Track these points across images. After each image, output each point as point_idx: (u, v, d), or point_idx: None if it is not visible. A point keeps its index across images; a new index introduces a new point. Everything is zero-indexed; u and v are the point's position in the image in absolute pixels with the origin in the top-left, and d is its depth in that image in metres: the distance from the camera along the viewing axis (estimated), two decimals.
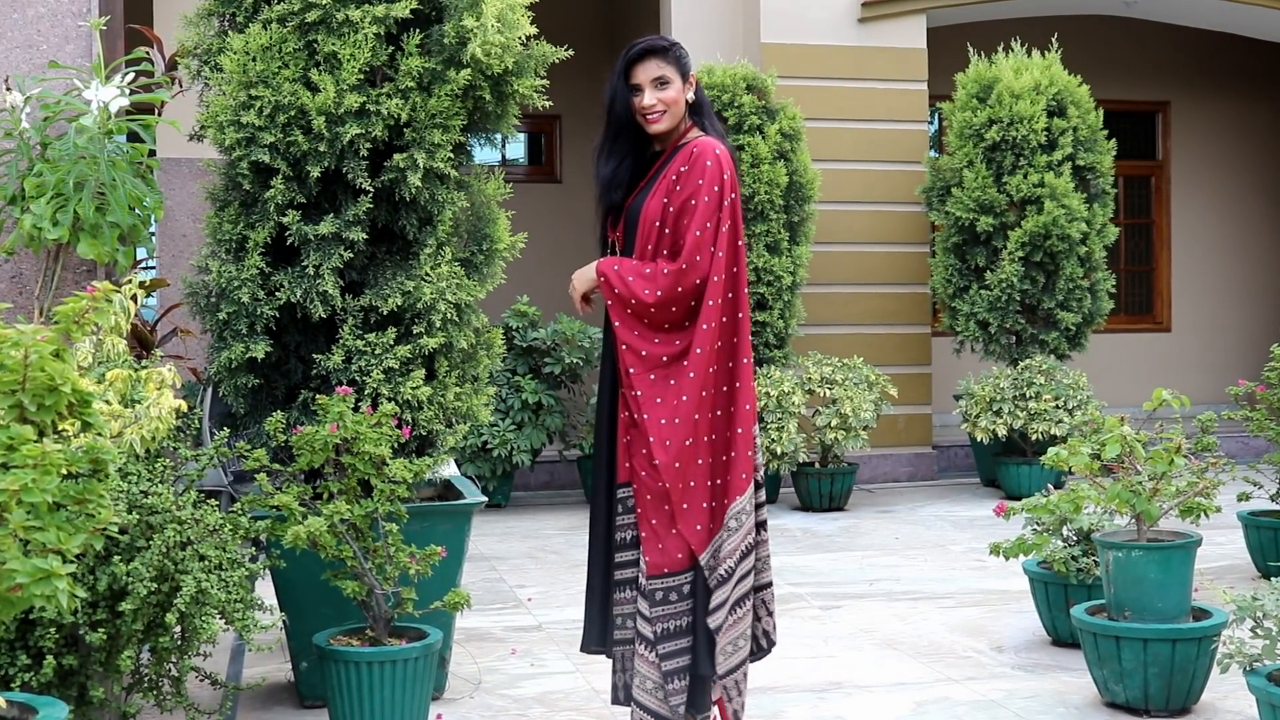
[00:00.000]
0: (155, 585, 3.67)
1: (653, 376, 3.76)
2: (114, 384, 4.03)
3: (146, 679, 3.89)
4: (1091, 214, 9.99)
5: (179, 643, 3.86)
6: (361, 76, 4.64)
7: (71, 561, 3.07)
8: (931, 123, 12.16)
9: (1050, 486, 5.67)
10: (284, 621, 4.56)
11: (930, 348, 10.95)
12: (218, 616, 3.87)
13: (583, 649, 4.00)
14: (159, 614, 3.77)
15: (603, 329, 3.95)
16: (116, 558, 3.64)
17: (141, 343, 5.38)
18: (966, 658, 5.36)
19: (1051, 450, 5.16)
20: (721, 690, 3.82)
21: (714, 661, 3.74)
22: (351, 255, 4.69)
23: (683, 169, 3.83)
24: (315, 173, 4.62)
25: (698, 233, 3.76)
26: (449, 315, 4.77)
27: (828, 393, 9.19)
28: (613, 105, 3.88)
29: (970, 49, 10.63)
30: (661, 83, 3.85)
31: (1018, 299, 9.88)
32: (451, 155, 4.76)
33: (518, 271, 6.23)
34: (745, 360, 3.81)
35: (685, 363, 3.74)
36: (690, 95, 3.93)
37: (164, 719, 4.41)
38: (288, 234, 4.67)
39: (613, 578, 3.88)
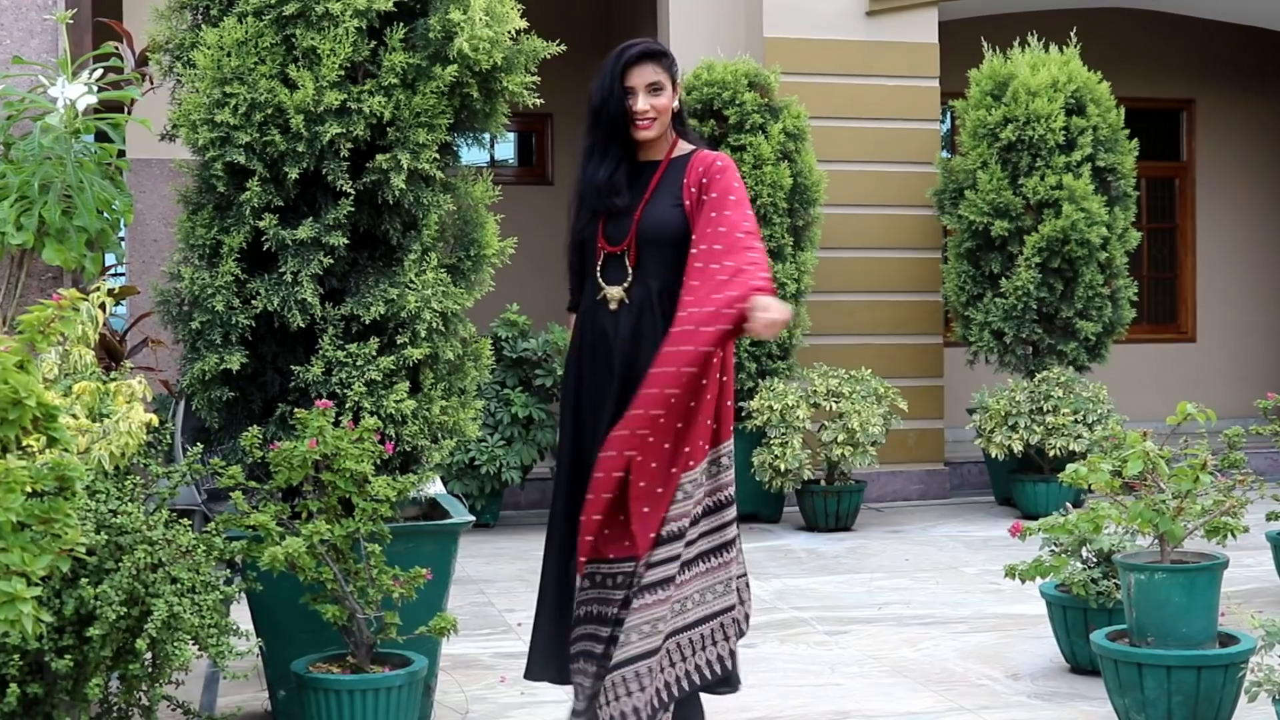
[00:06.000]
0: (125, 609, 3.67)
1: None
2: (81, 397, 4.04)
3: (115, 708, 3.89)
4: (1112, 218, 10.01)
5: (150, 670, 3.86)
6: (342, 73, 4.65)
7: (36, 584, 3.08)
8: (944, 121, 12.19)
9: (1069, 505, 5.69)
10: (260, 648, 4.56)
11: (942, 359, 10.97)
12: (191, 642, 3.87)
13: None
14: (129, 640, 3.77)
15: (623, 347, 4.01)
16: (84, 580, 3.64)
17: (110, 353, 5.39)
18: (981, 686, 5.37)
19: (1070, 467, 5.17)
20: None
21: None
22: (332, 261, 4.71)
23: (703, 180, 4.00)
24: (293, 174, 4.63)
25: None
26: (434, 325, 4.78)
27: (834, 406, 9.20)
28: (605, 106, 3.99)
29: (984, 44, 10.66)
30: (656, 89, 4.02)
31: (1034, 307, 9.90)
32: (437, 156, 4.78)
33: (507, 278, 6.24)
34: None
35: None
36: (675, 104, 4.09)
37: None
38: (264, 239, 4.68)
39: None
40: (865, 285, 10.69)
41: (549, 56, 4.90)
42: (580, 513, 4.00)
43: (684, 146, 4.11)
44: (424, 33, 4.71)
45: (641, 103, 3.97)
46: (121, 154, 5.43)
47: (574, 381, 4.11)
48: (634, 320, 4.00)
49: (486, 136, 5.14)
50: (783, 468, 8.92)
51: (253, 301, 4.67)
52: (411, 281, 4.74)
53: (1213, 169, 13.89)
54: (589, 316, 4.09)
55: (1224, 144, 13.87)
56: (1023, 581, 5.64)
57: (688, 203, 4.01)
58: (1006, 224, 9.92)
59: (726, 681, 4.07)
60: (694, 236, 3.96)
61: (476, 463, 9.14)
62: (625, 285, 4.02)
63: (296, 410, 4.46)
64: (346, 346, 4.70)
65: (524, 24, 4.85)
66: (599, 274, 4.04)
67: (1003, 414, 9.56)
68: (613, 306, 4.03)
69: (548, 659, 4.19)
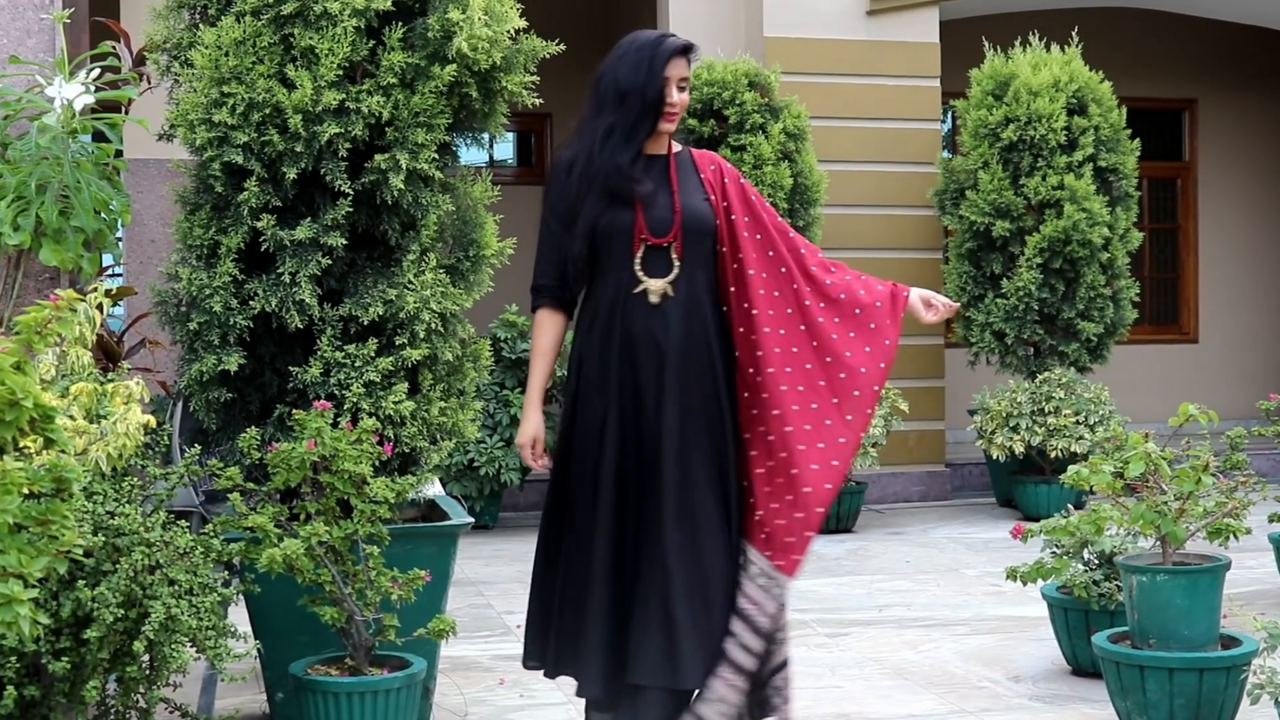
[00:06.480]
0: (122, 611, 3.67)
1: None
2: (78, 398, 4.04)
3: (113, 711, 3.89)
4: (1114, 218, 10.01)
5: (147, 672, 3.87)
6: (340, 72, 4.65)
7: (33, 586, 3.08)
8: (945, 121, 12.19)
9: (1070, 507, 5.68)
10: (258, 650, 4.56)
11: (943, 360, 10.97)
12: (188, 644, 3.87)
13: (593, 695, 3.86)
14: (126, 642, 3.78)
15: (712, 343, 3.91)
16: (81, 582, 3.65)
17: (107, 354, 5.39)
18: (982, 688, 5.37)
19: (1072, 469, 5.18)
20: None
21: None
22: (330, 262, 4.71)
23: (726, 180, 3.98)
24: (291, 174, 4.63)
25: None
26: (433, 325, 4.79)
27: None
28: (643, 90, 3.83)
29: (986, 43, 10.66)
30: (684, 85, 3.92)
31: (1036, 308, 9.90)
32: (436, 156, 4.78)
33: (506, 279, 6.24)
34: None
35: None
36: None
37: None
38: (262, 239, 4.68)
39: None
40: None
41: (548, 56, 4.90)
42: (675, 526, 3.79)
43: (674, 144, 4.05)
44: (423, 32, 4.71)
45: (674, 95, 3.87)
46: (119, 154, 5.43)
47: (615, 386, 3.85)
48: (683, 314, 3.86)
49: (485, 136, 5.14)
50: None
51: (251, 302, 4.67)
52: (410, 282, 4.74)
53: (1215, 169, 13.89)
54: (616, 313, 3.87)
55: (1226, 144, 13.87)
56: (1024, 584, 5.64)
57: (713, 197, 3.94)
58: (1008, 224, 9.92)
59: None
60: (770, 244, 3.97)
61: (475, 464, 9.14)
62: (671, 278, 3.86)
63: (295, 411, 4.46)
64: (345, 347, 4.70)
65: (523, 23, 4.85)
66: (639, 266, 3.87)
67: (1004, 415, 9.57)
68: (655, 300, 3.84)
69: (606, 671, 3.80)
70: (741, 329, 3.93)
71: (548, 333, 4.01)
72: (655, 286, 3.85)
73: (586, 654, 3.82)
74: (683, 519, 3.78)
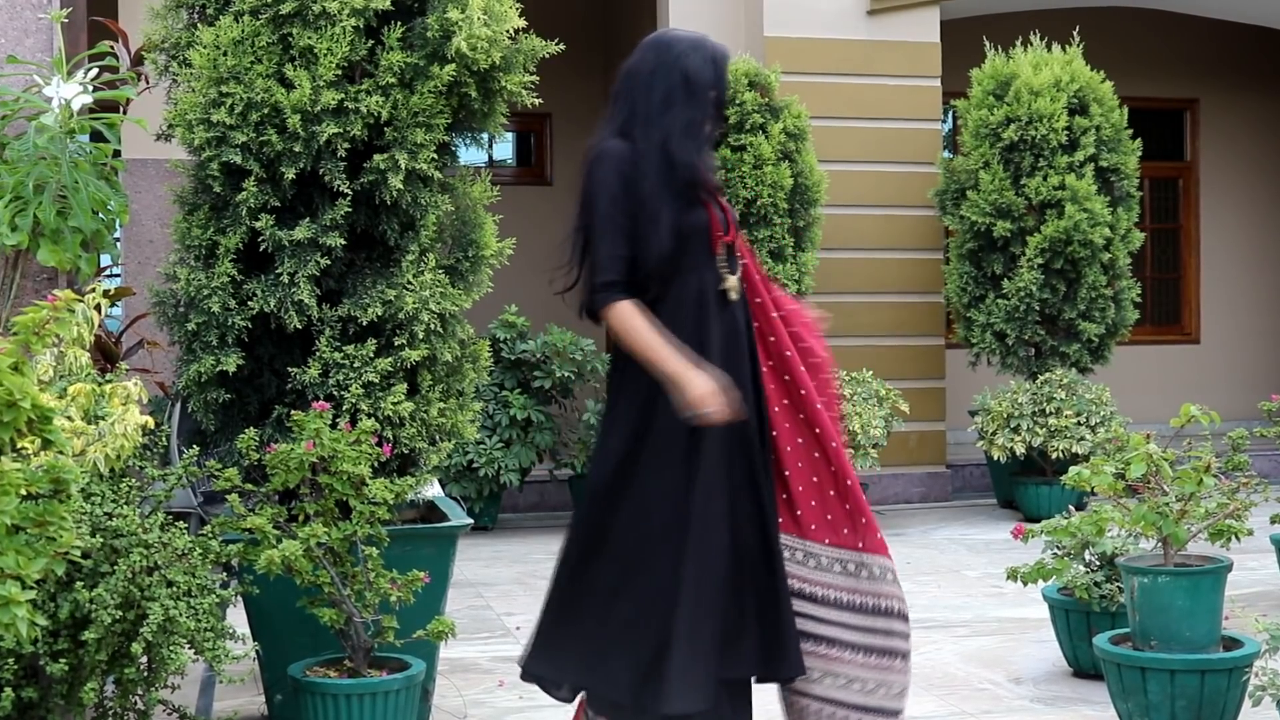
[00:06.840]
0: (120, 613, 3.67)
1: None
2: (76, 399, 4.04)
3: (111, 712, 3.89)
4: (1115, 218, 10.00)
5: (145, 674, 3.87)
6: (339, 72, 4.65)
7: (31, 587, 3.08)
8: (945, 121, 12.18)
9: (1071, 508, 5.68)
10: (257, 651, 4.56)
11: (944, 360, 10.97)
12: (186, 646, 3.87)
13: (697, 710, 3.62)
14: (124, 643, 3.78)
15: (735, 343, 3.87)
16: (79, 583, 3.65)
17: (105, 355, 5.40)
18: (982, 690, 5.37)
19: (1073, 469, 5.18)
20: None
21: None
22: (329, 262, 4.71)
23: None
24: (290, 174, 4.63)
25: None
26: (432, 326, 4.79)
27: None
28: (713, 87, 3.79)
29: (986, 43, 10.66)
30: None
31: (1037, 309, 9.90)
32: (435, 156, 4.78)
33: (505, 279, 6.24)
34: None
35: None
36: None
37: None
38: (261, 239, 4.68)
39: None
40: (866, 286, 10.69)
41: (548, 56, 4.90)
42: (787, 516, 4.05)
43: None
44: (422, 32, 4.71)
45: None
46: (117, 154, 5.43)
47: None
48: (745, 308, 3.88)
49: (485, 136, 5.14)
50: None
51: (249, 303, 4.67)
52: (409, 282, 4.74)
53: (1216, 169, 13.89)
54: (705, 311, 3.77)
55: (1228, 144, 13.87)
56: (1025, 585, 5.64)
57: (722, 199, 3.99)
58: (1009, 224, 9.92)
59: None
60: (748, 253, 4.02)
61: (474, 465, 9.14)
62: (740, 275, 3.86)
63: (293, 412, 4.46)
64: (344, 348, 4.70)
65: (522, 23, 4.85)
66: (723, 264, 3.82)
67: (1005, 416, 9.56)
68: (734, 297, 3.82)
69: (706, 682, 3.63)
70: (759, 324, 3.98)
71: (643, 312, 3.70)
72: (733, 284, 3.84)
73: (692, 662, 3.59)
74: (777, 509, 3.98)
